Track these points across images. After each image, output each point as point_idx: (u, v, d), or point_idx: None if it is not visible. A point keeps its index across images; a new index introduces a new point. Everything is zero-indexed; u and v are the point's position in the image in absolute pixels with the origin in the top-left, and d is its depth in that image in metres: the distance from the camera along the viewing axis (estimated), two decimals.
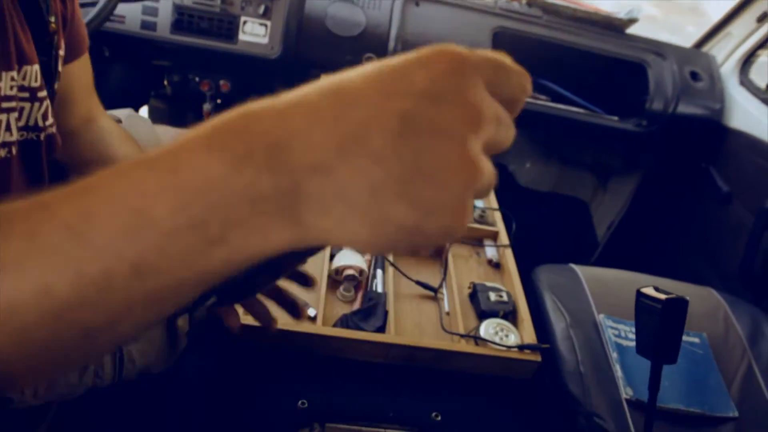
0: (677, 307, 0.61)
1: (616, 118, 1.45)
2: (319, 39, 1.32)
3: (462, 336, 0.81)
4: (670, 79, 1.41)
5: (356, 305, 0.85)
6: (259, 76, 1.47)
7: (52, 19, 0.56)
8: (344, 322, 0.80)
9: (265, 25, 1.30)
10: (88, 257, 0.23)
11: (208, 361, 0.85)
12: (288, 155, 0.23)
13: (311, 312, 0.81)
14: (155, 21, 1.27)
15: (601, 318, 0.98)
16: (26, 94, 0.54)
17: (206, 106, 1.58)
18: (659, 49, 1.44)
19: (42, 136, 0.57)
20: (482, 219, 1.05)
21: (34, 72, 0.54)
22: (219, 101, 1.67)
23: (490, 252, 1.00)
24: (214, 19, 1.28)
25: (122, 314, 0.24)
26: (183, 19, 1.27)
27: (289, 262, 0.40)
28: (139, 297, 0.24)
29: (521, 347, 0.80)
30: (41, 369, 0.25)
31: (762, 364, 1.02)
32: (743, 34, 1.44)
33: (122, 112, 1.01)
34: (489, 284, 0.90)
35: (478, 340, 0.81)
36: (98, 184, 0.24)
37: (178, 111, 1.74)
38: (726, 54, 1.48)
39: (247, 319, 0.75)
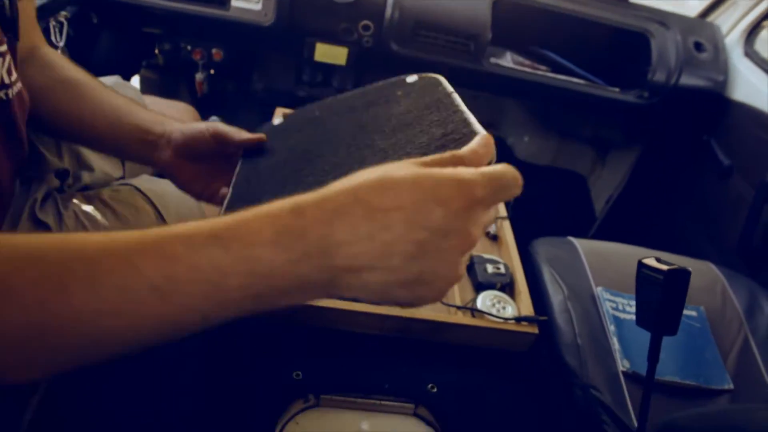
0: (679, 278, 0.59)
1: (617, 89, 1.42)
2: (314, 6, 1.28)
3: (458, 308, 0.80)
4: (673, 49, 1.38)
5: None
6: (253, 44, 1.43)
7: None
8: None
9: None
10: (170, 312, 0.32)
11: (202, 333, 0.84)
12: (333, 260, 0.33)
13: None
14: None
15: (598, 291, 0.97)
16: None
17: (198, 76, 1.55)
18: (663, 18, 1.41)
19: (10, 93, 0.55)
20: None
21: None
22: (212, 71, 1.63)
23: None
24: None
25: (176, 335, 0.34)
26: None
27: None
28: (198, 328, 0.34)
29: (518, 319, 0.79)
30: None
31: (758, 338, 1.02)
32: (749, 3, 1.41)
33: (108, 80, 0.98)
34: (486, 256, 0.88)
35: (474, 312, 0.80)
36: (178, 252, 0.32)
37: (170, 81, 1.71)
38: (731, 24, 1.45)
39: None
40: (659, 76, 1.39)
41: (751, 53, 1.41)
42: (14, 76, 0.56)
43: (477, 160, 0.40)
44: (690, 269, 0.60)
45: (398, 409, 0.72)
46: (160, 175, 0.89)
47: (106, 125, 0.67)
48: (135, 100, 0.71)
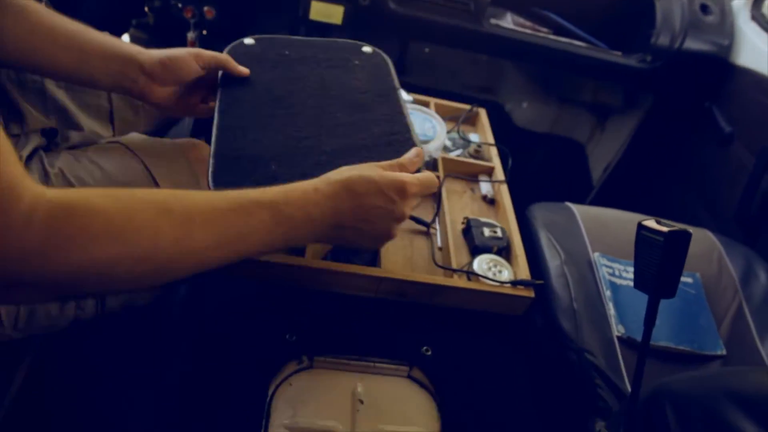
0: (679, 240, 0.58)
1: (619, 53, 1.39)
2: None
3: (454, 271, 0.79)
4: (678, 11, 1.34)
5: None
6: (246, 1, 1.38)
7: None
8: (334, 254, 0.78)
9: None
10: (245, 248, 0.53)
11: (194, 294, 0.83)
12: (333, 219, 0.58)
13: None
14: None
15: (595, 256, 0.97)
16: None
17: (190, 35, 1.50)
18: None
19: None
20: (477, 154, 1.02)
21: None
22: (204, 32, 1.58)
23: (485, 188, 0.97)
24: None
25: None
26: None
27: None
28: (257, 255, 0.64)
29: (514, 283, 0.78)
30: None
31: (752, 305, 1.02)
32: None
33: None
34: (483, 220, 0.87)
35: (470, 275, 0.79)
36: (253, 210, 0.52)
37: (161, 41, 1.66)
38: None
39: None
40: (663, 40, 1.35)
41: (758, 16, 1.37)
42: None
43: (412, 166, 0.65)
44: (690, 231, 0.59)
45: (392, 372, 0.71)
46: (151, 133, 0.87)
47: (66, 51, 0.66)
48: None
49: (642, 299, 0.92)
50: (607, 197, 1.66)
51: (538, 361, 0.87)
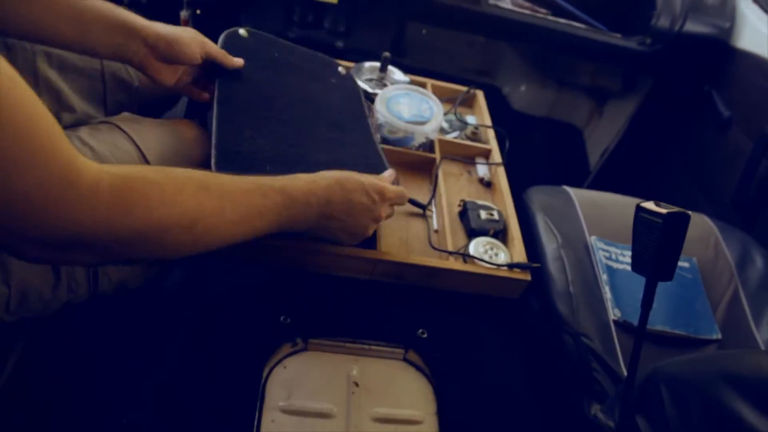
0: (678, 222, 0.58)
1: (618, 35, 1.37)
2: None
3: (450, 253, 0.78)
4: None
5: None
6: None
7: None
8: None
9: None
10: (262, 224, 0.59)
11: (189, 277, 0.83)
12: (324, 208, 0.64)
13: None
14: None
15: (592, 240, 0.96)
16: None
17: (183, 14, 1.47)
18: None
19: None
20: (474, 136, 1.01)
21: None
22: (198, 11, 1.55)
23: (482, 170, 0.96)
24: None
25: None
26: None
27: None
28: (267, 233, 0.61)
29: (511, 266, 0.77)
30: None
31: (748, 289, 1.02)
32: None
33: None
34: (480, 202, 0.86)
35: (467, 257, 0.78)
36: (270, 194, 0.59)
37: (154, 20, 1.63)
38: None
39: None
40: (663, 22, 1.34)
41: None
42: None
43: (389, 180, 0.73)
44: (689, 213, 0.58)
45: (388, 354, 0.71)
46: (142, 113, 0.85)
47: (67, 20, 0.67)
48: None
49: (638, 283, 0.92)
50: (604, 182, 1.65)
51: (534, 345, 0.87)
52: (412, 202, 0.85)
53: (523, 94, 1.76)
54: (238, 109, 0.79)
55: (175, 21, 1.52)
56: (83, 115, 0.80)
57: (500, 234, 0.84)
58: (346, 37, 1.41)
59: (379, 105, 0.93)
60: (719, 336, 0.92)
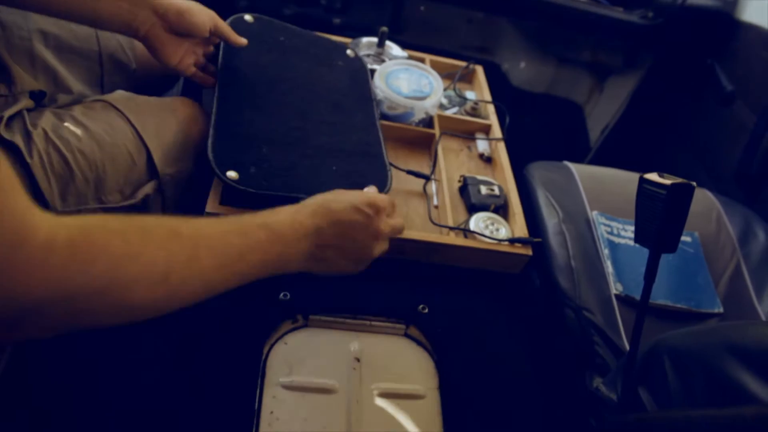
0: (682, 192, 0.57)
1: (620, 8, 1.35)
2: None
3: (451, 228, 0.78)
4: None
5: None
6: None
7: None
8: None
9: None
10: (243, 268, 0.52)
11: None
12: (318, 239, 0.57)
13: None
14: None
15: (594, 215, 0.95)
16: None
17: None
18: None
19: None
20: (474, 112, 0.99)
21: None
22: None
23: (482, 146, 0.95)
24: None
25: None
26: None
27: None
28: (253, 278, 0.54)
29: (512, 240, 0.77)
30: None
31: (750, 264, 1.01)
32: None
33: None
34: (480, 177, 0.85)
35: (467, 233, 0.78)
36: (251, 232, 0.53)
37: None
38: None
39: (228, 210, 0.71)
40: None
41: None
42: None
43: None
44: (694, 183, 0.57)
45: (389, 330, 0.71)
46: (136, 91, 0.84)
47: None
48: None
49: (641, 257, 0.92)
50: (605, 158, 1.63)
51: (536, 319, 0.87)
52: (414, 173, 0.84)
53: (522, 71, 1.74)
54: (240, 91, 0.79)
55: None
56: (80, 97, 0.79)
57: (501, 209, 0.83)
58: (342, 14, 1.39)
59: (377, 80, 0.91)
60: (721, 309, 0.92)
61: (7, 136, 0.65)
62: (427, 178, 0.85)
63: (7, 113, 0.67)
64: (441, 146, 0.92)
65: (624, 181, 1.05)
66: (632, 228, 0.93)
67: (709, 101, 1.42)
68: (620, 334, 0.82)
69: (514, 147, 0.97)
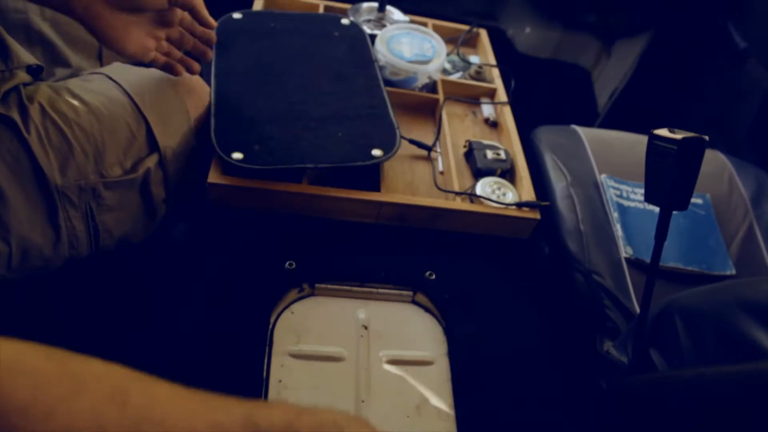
0: (694, 146, 0.55)
1: None
2: None
3: (457, 194, 0.76)
4: None
5: None
6: None
7: None
8: (331, 178, 0.76)
9: None
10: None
11: (191, 227, 0.81)
12: None
13: None
14: None
15: (602, 178, 0.94)
16: None
17: None
18: None
19: None
20: (479, 75, 0.97)
21: None
22: None
23: (487, 110, 0.93)
24: None
25: None
26: None
27: None
28: None
29: (519, 204, 0.75)
30: None
31: (763, 225, 1.00)
32: None
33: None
34: (486, 142, 0.84)
35: (473, 198, 0.76)
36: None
37: None
38: None
39: (231, 180, 0.70)
40: None
41: None
42: None
43: None
44: (706, 137, 0.55)
45: (396, 297, 0.70)
46: (137, 64, 0.82)
47: None
48: None
49: (651, 220, 0.90)
50: (613, 124, 1.60)
51: (545, 285, 0.86)
52: (416, 143, 0.83)
53: (528, 36, 1.70)
54: (237, 78, 0.79)
55: None
56: (78, 70, 0.78)
57: (507, 174, 0.82)
58: None
59: (379, 45, 0.89)
60: (733, 272, 0.91)
61: (3, 111, 0.64)
62: (429, 149, 0.83)
63: (4, 88, 0.66)
64: (445, 111, 0.90)
65: (633, 144, 1.03)
66: (642, 191, 0.92)
67: (720, 61, 1.38)
68: (631, 298, 0.81)
69: (521, 114, 0.95)
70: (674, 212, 0.60)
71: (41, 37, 0.73)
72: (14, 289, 0.69)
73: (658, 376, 0.61)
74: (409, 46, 0.91)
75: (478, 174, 0.80)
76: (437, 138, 0.86)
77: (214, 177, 0.70)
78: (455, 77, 0.97)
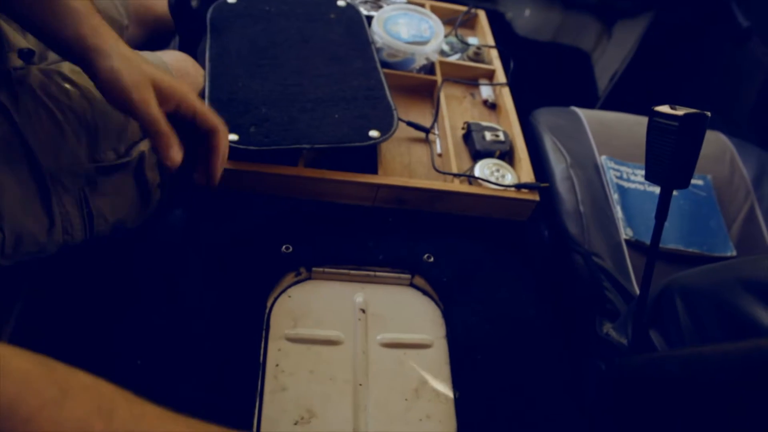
0: (696, 123, 0.54)
1: None
2: None
3: (455, 175, 0.75)
4: None
5: None
6: None
7: None
8: (327, 161, 0.75)
9: None
10: None
11: (187, 211, 0.81)
12: None
13: None
14: None
15: (602, 159, 0.93)
16: None
17: None
18: None
19: None
20: (477, 57, 0.96)
21: None
22: None
23: (486, 92, 0.92)
24: None
25: None
26: None
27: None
28: None
29: (518, 186, 0.75)
30: None
31: (765, 206, 0.99)
32: None
33: None
34: (484, 124, 0.83)
35: (472, 179, 0.76)
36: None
37: None
38: None
39: (227, 164, 0.69)
40: None
41: None
42: None
43: None
44: (708, 113, 0.54)
45: (394, 280, 0.70)
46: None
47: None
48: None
49: (651, 202, 0.90)
50: (613, 106, 1.59)
51: (544, 267, 0.85)
52: (414, 125, 0.82)
53: (527, 19, 1.68)
54: (230, 63, 0.79)
55: None
56: None
57: (506, 155, 0.81)
58: None
59: (376, 26, 0.88)
60: (734, 253, 0.90)
61: None
62: (427, 131, 0.82)
63: None
64: (443, 93, 0.88)
65: (633, 125, 1.02)
66: (642, 172, 0.91)
67: (722, 41, 1.36)
68: (630, 280, 0.81)
69: (520, 97, 0.93)
70: (675, 194, 0.59)
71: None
72: (8, 275, 0.68)
73: (657, 356, 0.60)
74: (406, 27, 0.90)
75: (477, 156, 0.79)
76: (435, 120, 0.85)
77: None
78: (453, 59, 0.96)
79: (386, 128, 0.72)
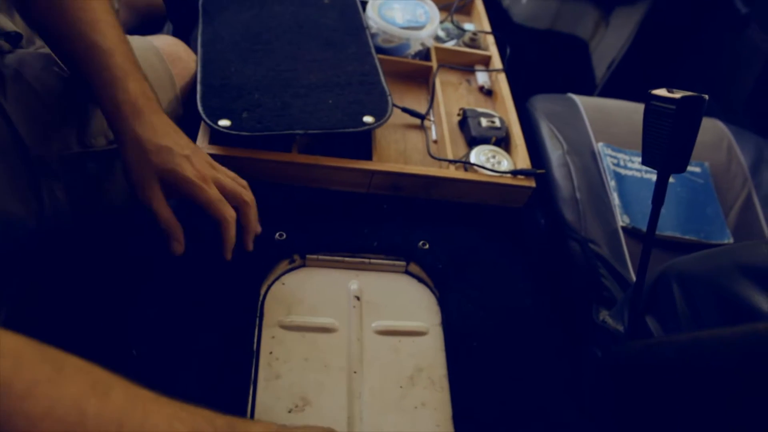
0: (693, 106, 0.53)
1: None
2: None
3: (451, 162, 0.75)
4: None
5: None
6: None
7: None
8: (321, 148, 0.74)
9: None
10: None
11: (178, 198, 0.80)
12: None
13: None
14: None
15: (599, 146, 0.92)
16: None
17: None
18: None
19: None
20: (473, 43, 0.94)
21: None
22: None
23: (482, 78, 0.91)
24: None
25: None
26: None
27: None
28: None
29: (515, 172, 0.74)
30: None
31: (762, 193, 0.98)
32: None
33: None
34: (480, 110, 0.82)
35: (468, 166, 0.75)
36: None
37: None
38: None
39: (218, 149, 0.69)
40: None
41: None
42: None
43: None
44: (706, 96, 0.54)
45: (389, 267, 0.69)
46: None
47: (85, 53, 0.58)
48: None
49: (648, 189, 0.89)
50: (611, 94, 1.58)
51: (540, 254, 0.85)
52: (409, 111, 0.81)
53: (524, 6, 1.66)
54: (223, 48, 0.78)
55: None
56: None
57: (503, 142, 0.80)
58: None
59: (370, 11, 0.87)
60: (731, 241, 0.90)
61: None
62: (422, 117, 0.81)
63: None
64: (439, 79, 0.87)
65: (630, 112, 1.01)
66: (639, 159, 0.90)
67: (720, 27, 1.35)
68: (627, 267, 0.80)
69: (516, 85, 0.93)
70: (671, 181, 0.59)
71: None
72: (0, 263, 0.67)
73: (653, 341, 0.60)
74: (401, 12, 0.89)
75: (473, 142, 0.78)
76: (430, 106, 0.84)
77: (201, 146, 0.68)
78: (449, 45, 0.95)
79: (381, 114, 0.71)
